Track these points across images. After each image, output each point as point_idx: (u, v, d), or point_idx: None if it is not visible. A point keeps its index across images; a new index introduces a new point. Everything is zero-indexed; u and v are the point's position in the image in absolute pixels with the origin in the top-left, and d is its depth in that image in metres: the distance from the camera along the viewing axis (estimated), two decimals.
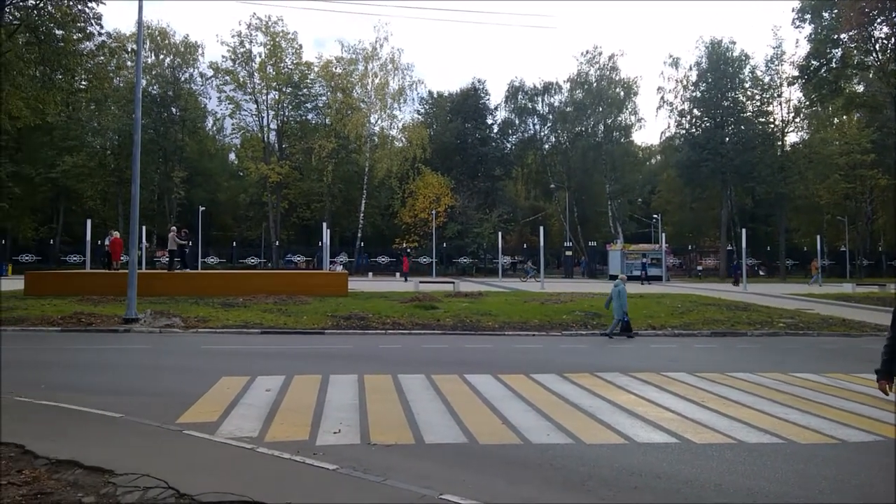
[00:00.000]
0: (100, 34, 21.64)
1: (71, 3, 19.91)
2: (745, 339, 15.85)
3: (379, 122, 56.72)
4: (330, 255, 38.18)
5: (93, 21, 20.55)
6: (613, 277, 45.10)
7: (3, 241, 49.72)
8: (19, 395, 8.16)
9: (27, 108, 22.46)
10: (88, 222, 31.78)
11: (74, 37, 20.38)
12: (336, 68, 56.81)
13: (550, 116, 63.19)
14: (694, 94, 56.38)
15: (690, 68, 56.86)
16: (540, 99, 63.22)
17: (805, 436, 7.05)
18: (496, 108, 63.05)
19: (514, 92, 62.85)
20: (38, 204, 53.34)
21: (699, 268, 56.34)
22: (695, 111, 56.74)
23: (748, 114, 55.49)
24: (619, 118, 59.91)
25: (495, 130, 62.40)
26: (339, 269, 36.88)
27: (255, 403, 8.12)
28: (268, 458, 5.94)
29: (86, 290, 21.69)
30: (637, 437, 6.87)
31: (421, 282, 28.12)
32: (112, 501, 4.78)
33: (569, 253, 53.98)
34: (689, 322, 17.70)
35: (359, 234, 54.79)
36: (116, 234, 26.75)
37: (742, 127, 54.36)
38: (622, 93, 59.41)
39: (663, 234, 47.22)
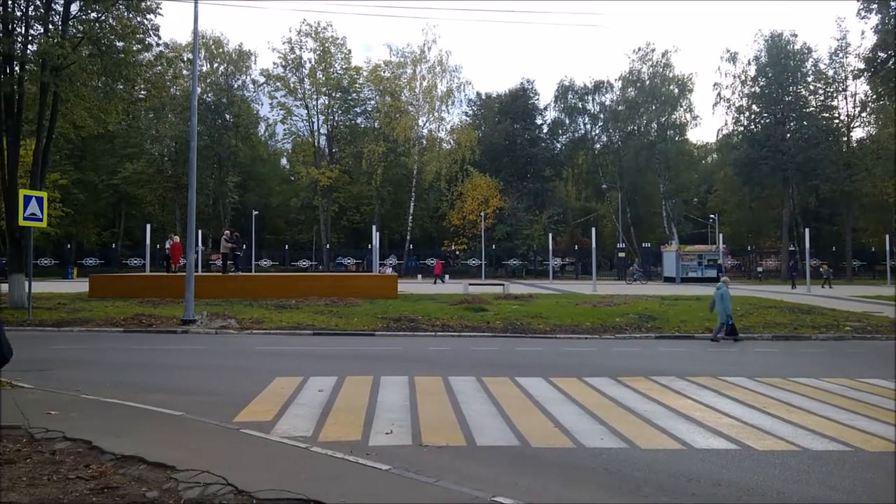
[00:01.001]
0: (157, 45, 22.33)
1: (130, 15, 20.62)
2: (809, 343, 15.24)
3: (427, 124, 57.14)
4: (379, 257, 38.51)
5: (151, 32, 21.21)
6: (669, 279, 44.41)
7: (69, 246, 52.01)
8: (86, 392, 8.47)
9: (90, 117, 23.39)
10: (148, 227, 32.92)
11: (134, 48, 21.04)
12: (384, 72, 57.45)
13: (602, 115, 62.41)
14: (753, 89, 54.71)
15: (749, 63, 55.29)
16: (591, 98, 62.57)
17: (873, 443, 6.72)
18: (545, 108, 62.69)
19: (563, 91, 62.27)
20: (100, 209, 55.59)
21: (759, 269, 54.48)
22: (754, 107, 55.08)
23: (811, 109, 53.55)
24: (674, 116, 58.77)
25: (545, 131, 61.96)
26: (389, 271, 37.18)
27: (309, 403, 8.23)
28: (322, 457, 6.00)
29: (146, 293, 22.50)
30: (695, 443, 6.66)
31: (470, 284, 28.04)
32: (174, 496, 4.89)
33: (622, 254, 52.98)
34: (748, 325, 17.13)
35: (408, 237, 55.20)
36: (176, 238, 27.57)
37: (804, 123, 52.50)
38: (676, 90, 58.23)
39: (720, 235, 45.89)
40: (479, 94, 66.17)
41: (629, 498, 5.23)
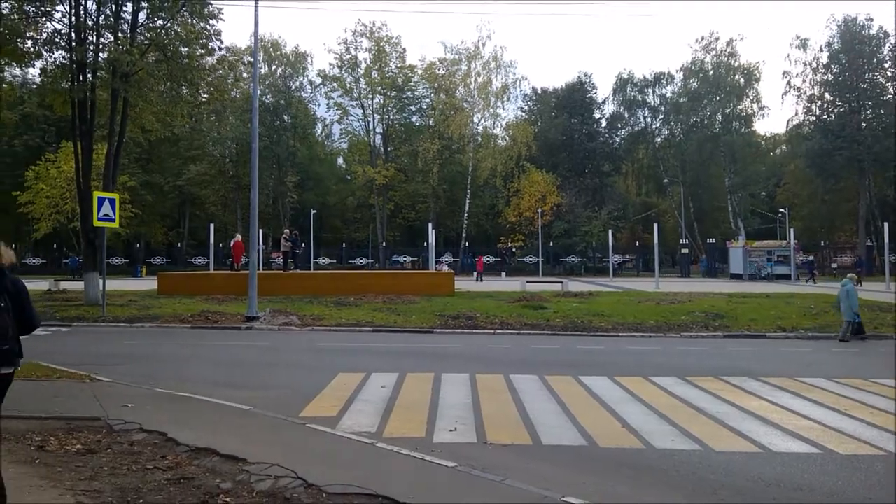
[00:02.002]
0: (220, 49, 22.99)
1: (194, 21, 21.30)
2: (891, 343, 14.38)
3: (482, 121, 56.86)
4: (435, 255, 38.59)
5: (213, 37, 21.89)
6: (736, 276, 42.72)
7: (138, 245, 54.19)
8: (159, 386, 8.77)
9: (157, 121, 24.29)
10: (211, 226, 33.95)
11: (198, 53, 21.72)
12: (439, 70, 57.53)
13: (662, 108, 60.88)
14: (825, 77, 52.19)
15: (821, 50, 52.63)
16: (650, 90, 61.10)
17: None
18: (604, 102, 61.47)
19: (622, 84, 60.94)
20: (166, 210, 57.55)
21: (834, 265, 51.87)
22: (826, 95, 52.49)
23: (889, 96, 50.72)
24: (739, 107, 56.68)
25: (603, 125, 60.79)
26: (446, 268, 37.18)
27: (372, 399, 8.28)
28: (387, 453, 6.01)
29: (211, 290, 23.14)
30: (772, 446, 6.37)
31: (528, 281, 27.77)
32: (247, 488, 5.00)
33: (685, 251, 51.38)
34: (824, 324, 16.25)
35: (463, 234, 55.10)
36: (239, 238, 28.29)
37: (882, 111, 49.80)
38: (742, 80, 56.19)
39: (791, 230, 43.96)
40: (534, 90, 65.46)
41: (705, 500, 5.05)
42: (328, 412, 7.60)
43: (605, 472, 5.70)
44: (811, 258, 41.12)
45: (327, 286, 23.92)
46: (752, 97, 56.76)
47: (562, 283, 26.59)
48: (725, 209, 57.34)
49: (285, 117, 58.62)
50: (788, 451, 6.24)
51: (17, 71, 38.01)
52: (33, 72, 39.42)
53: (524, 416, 7.51)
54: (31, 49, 19.99)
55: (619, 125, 62.10)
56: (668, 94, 60.59)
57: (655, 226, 32.46)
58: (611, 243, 41.72)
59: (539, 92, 65.17)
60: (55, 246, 53.26)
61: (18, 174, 46.04)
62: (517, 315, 17.65)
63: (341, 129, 62.48)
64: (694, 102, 57.31)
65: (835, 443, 6.46)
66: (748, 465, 5.83)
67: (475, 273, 39.99)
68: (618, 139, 61.94)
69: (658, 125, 62.42)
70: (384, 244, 55.89)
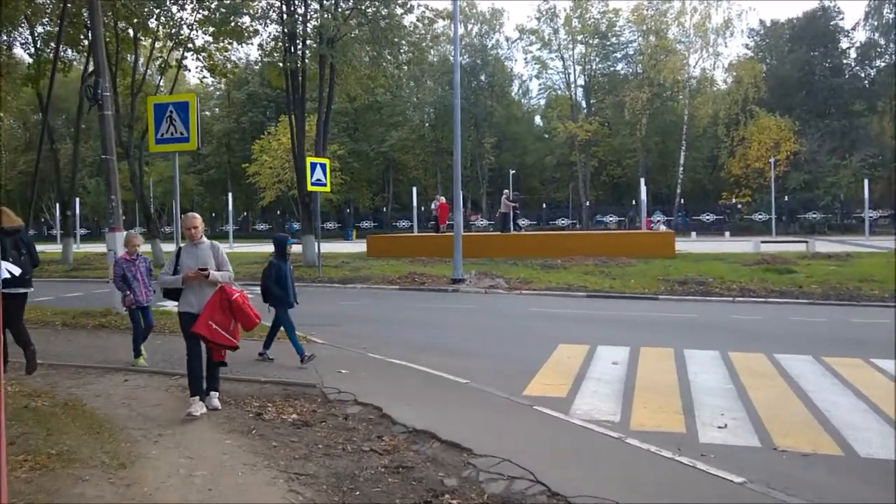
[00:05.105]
0: (418, 6, 22.64)
1: None
2: None
3: (700, 62, 51.12)
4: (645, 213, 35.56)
5: None
6: None
7: (348, 210, 57.88)
8: (371, 351, 8.29)
9: (360, 87, 24.68)
10: (414, 190, 34.61)
11: (397, 12, 21.56)
12: (647, 10, 52.63)
13: None
14: None
15: None
16: None
17: None
18: (853, 29, 51.62)
19: (877, 6, 50.85)
20: (372, 176, 60.60)
21: None
22: None
23: None
24: None
25: (852, 56, 51.33)
26: (663, 228, 34.15)
27: (604, 378, 7.01)
28: (643, 454, 4.73)
29: (416, 252, 23.29)
30: None
31: (763, 241, 24.18)
32: (476, 489, 4.10)
33: None
34: None
35: (678, 191, 50.51)
36: (443, 200, 28.27)
37: None
38: None
39: None
40: (762, 22, 56.80)
41: None
42: (556, 392, 6.48)
43: None
44: None
45: (532, 248, 22.86)
46: None
47: (806, 242, 22.73)
48: None
49: (482, 77, 58.16)
50: None
51: (241, 54, 41.61)
52: (255, 55, 43.47)
53: (816, 412, 5.75)
54: (249, 26, 21.10)
55: (872, 55, 52.02)
56: None
57: None
58: (867, 196, 34.96)
59: (768, 25, 56.82)
60: (279, 213, 58.81)
61: (246, 148, 51.77)
62: (759, 280, 15.05)
63: (539, 85, 60.73)
64: None
65: None
66: None
67: None
68: (872, 72, 52.02)
69: None
70: (587, 203, 53.42)
